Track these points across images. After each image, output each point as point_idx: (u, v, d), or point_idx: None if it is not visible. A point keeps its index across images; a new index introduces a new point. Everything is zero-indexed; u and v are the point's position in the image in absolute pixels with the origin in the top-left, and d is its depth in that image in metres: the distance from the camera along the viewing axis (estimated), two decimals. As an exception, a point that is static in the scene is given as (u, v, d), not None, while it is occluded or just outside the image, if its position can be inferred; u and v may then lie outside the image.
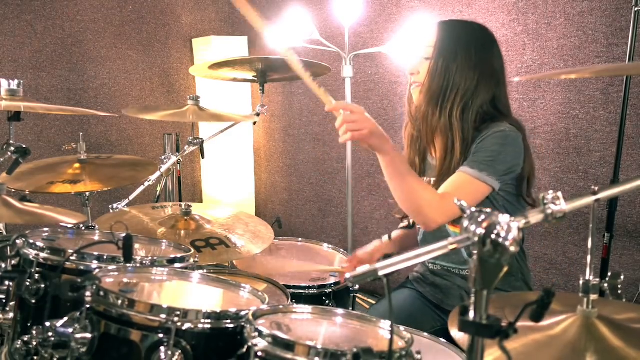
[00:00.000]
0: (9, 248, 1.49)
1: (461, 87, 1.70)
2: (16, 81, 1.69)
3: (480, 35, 1.78)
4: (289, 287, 1.76)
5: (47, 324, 1.19)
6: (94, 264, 1.34)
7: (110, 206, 2.20)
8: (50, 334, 1.18)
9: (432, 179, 1.80)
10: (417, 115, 1.81)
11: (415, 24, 3.07)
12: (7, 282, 1.44)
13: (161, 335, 1.10)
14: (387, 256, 0.87)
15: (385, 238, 2.03)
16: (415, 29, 3.03)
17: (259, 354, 1.04)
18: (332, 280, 1.90)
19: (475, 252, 0.80)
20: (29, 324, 1.34)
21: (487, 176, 1.63)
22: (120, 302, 1.14)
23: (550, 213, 0.88)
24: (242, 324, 1.14)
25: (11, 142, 1.68)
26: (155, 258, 1.42)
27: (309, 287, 1.83)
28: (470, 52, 1.72)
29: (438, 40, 1.73)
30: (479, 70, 1.71)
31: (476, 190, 1.64)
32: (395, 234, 2.04)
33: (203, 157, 2.46)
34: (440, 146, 1.75)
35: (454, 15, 3.13)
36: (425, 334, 1.42)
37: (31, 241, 1.40)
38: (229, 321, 1.15)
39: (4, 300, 1.44)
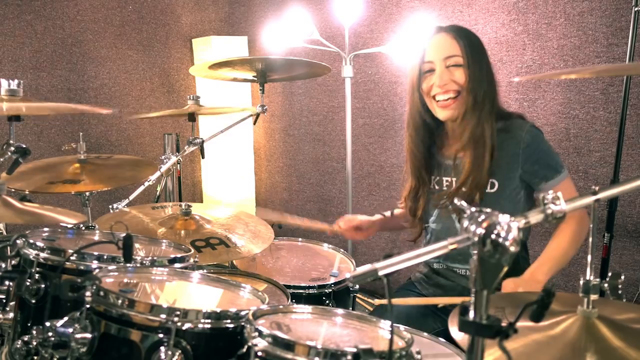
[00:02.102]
0: (9, 248, 1.49)
1: (492, 92, 1.73)
2: (16, 81, 1.69)
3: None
4: (289, 287, 1.76)
5: (47, 324, 1.19)
6: (94, 264, 1.33)
7: (110, 206, 2.20)
8: (50, 334, 1.18)
9: (452, 179, 1.80)
10: (452, 124, 1.80)
11: (415, 24, 3.07)
12: (7, 282, 1.44)
13: (161, 335, 1.10)
14: (387, 256, 0.87)
15: (388, 213, 2.08)
16: (417, 36, 3.03)
17: (259, 353, 1.04)
18: (332, 280, 1.90)
19: (475, 252, 0.80)
20: (29, 324, 1.34)
21: (564, 169, 1.73)
22: (120, 302, 1.14)
23: (550, 213, 0.88)
24: (242, 324, 1.14)
25: (11, 142, 1.68)
26: (155, 258, 1.42)
27: (309, 287, 1.83)
28: (487, 57, 1.75)
29: (464, 45, 1.71)
30: (492, 74, 1.76)
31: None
32: (397, 211, 2.08)
33: (203, 157, 2.46)
34: (470, 158, 1.73)
35: (454, 15, 3.13)
36: (425, 334, 1.42)
37: (31, 241, 1.40)
38: (229, 321, 1.15)
39: (4, 300, 1.44)
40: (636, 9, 2.27)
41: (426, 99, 1.78)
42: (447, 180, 1.83)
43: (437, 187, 1.86)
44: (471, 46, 1.72)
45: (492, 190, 1.72)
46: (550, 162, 1.71)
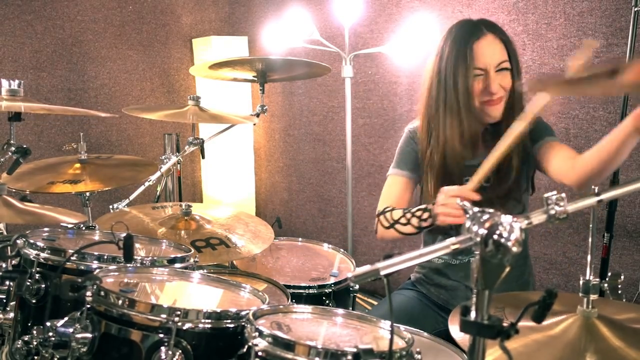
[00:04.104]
0: (9, 248, 1.49)
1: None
2: (16, 81, 1.69)
3: None
4: (289, 287, 1.76)
5: (48, 323, 1.19)
6: (95, 264, 1.34)
7: (110, 206, 2.20)
8: (50, 333, 1.18)
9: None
10: (494, 127, 1.74)
11: (415, 24, 3.07)
12: (7, 282, 1.44)
13: (162, 335, 1.11)
14: (387, 256, 0.87)
15: None
16: (417, 31, 3.03)
17: (259, 353, 1.04)
18: (332, 280, 1.90)
19: (477, 252, 0.80)
20: (29, 324, 1.34)
21: None
22: (120, 302, 1.14)
23: (553, 214, 0.88)
24: (243, 323, 1.14)
25: (11, 142, 1.68)
26: (155, 258, 1.42)
27: (309, 287, 1.83)
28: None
29: (509, 49, 1.68)
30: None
31: None
32: None
33: (203, 157, 2.46)
34: (516, 165, 1.69)
35: (454, 15, 3.13)
36: (425, 334, 1.42)
37: (31, 241, 1.40)
38: (229, 321, 1.15)
39: (5, 300, 1.44)
40: (636, 9, 2.27)
41: (474, 89, 1.69)
42: (467, 180, 1.79)
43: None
44: (514, 49, 1.70)
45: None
46: (547, 127, 1.73)
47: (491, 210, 0.82)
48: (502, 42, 1.68)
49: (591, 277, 1.02)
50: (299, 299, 1.79)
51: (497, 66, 1.66)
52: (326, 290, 1.84)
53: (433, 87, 1.72)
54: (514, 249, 0.78)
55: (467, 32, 1.67)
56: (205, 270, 1.55)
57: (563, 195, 0.89)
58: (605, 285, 1.03)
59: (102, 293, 1.16)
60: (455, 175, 1.71)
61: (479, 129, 1.74)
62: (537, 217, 0.88)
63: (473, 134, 1.71)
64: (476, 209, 0.82)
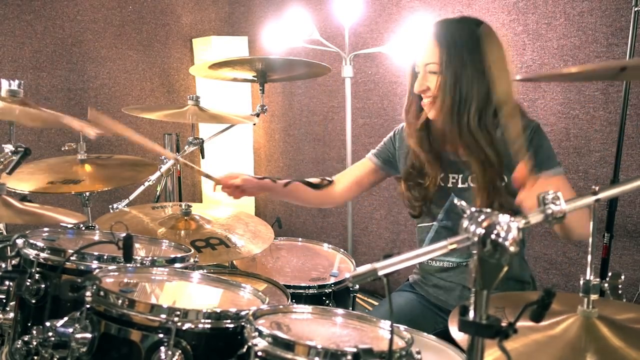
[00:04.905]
0: (9, 248, 1.50)
1: (474, 97, 1.65)
2: (16, 81, 1.69)
3: (482, 32, 1.68)
4: (289, 287, 1.76)
5: (47, 324, 1.19)
6: (94, 264, 1.34)
7: (110, 206, 2.20)
8: (50, 334, 1.18)
9: (459, 177, 1.79)
10: (434, 131, 1.80)
11: (415, 24, 3.07)
12: (7, 282, 1.44)
13: (161, 335, 1.10)
14: (387, 256, 0.87)
15: (282, 182, 2.01)
16: (413, 35, 3.03)
17: (259, 353, 1.04)
18: (332, 280, 1.90)
19: (475, 252, 0.80)
20: (29, 324, 1.34)
21: (561, 166, 1.71)
22: (120, 302, 1.14)
23: (550, 213, 0.88)
24: (242, 324, 1.14)
25: (11, 142, 1.68)
26: (155, 258, 1.42)
27: (309, 287, 1.83)
28: (477, 57, 1.63)
29: (442, 52, 1.65)
30: (487, 72, 1.62)
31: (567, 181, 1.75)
32: (294, 185, 2.02)
33: (203, 157, 2.47)
34: (476, 164, 1.70)
35: (454, 15, 3.13)
36: (425, 334, 1.42)
37: (31, 241, 1.40)
38: (229, 321, 1.15)
39: (4, 300, 1.44)
40: (636, 9, 2.27)
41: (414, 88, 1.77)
42: (453, 177, 1.81)
43: (442, 184, 1.82)
44: (450, 52, 1.65)
45: (503, 184, 1.72)
46: (549, 154, 1.70)
47: (488, 210, 0.82)
48: (437, 45, 1.66)
49: (591, 277, 1.02)
50: (299, 299, 1.79)
51: (425, 66, 1.69)
52: (326, 290, 1.84)
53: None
54: (512, 249, 0.78)
55: (421, 33, 1.76)
56: (205, 270, 1.55)
57: (559, 194, 0.89)
58: (606, 285, 1.03)
59: (102, 293, 1.16)
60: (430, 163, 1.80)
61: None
62: (535, 217, 0.88)
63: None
64: (474, 209, 0.82)
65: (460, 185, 1.78)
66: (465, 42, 1.66)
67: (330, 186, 2.03)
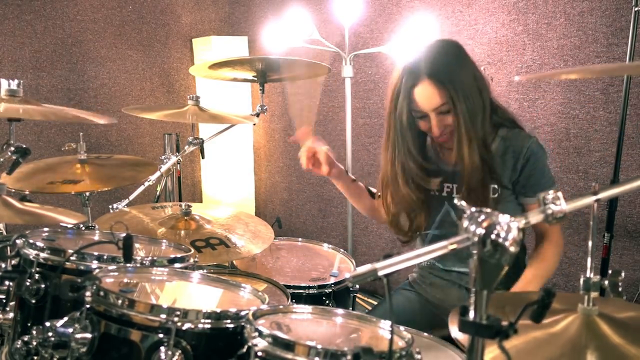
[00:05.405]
0: (9, 248, 1.49)
1: (482, 116, 1.65)
2: (16, 81, 1.69)
3: (454, 45, 1.70)
4: (289, 287, 1.76)
5: (47, 324, 1.19)
6: (94, 264, 1.34)
7: (110, 206, 2.20)
8: (50, 334, 1.18)
9: (453, 186, 1.79)
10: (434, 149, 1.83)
11: (415, 24, 3.07)
12: (7, 282, 1.44)
13: (161, 335, 1.10)
14: (387, 256, 0.87)
15: (358, 182, 2.02)
16: (417, 31, 3.03)
17: (259, 354, 1.04)
18: (332, 280, 1.90)
19: (475, 252, 0.80)
20: (29, 324, 1.34)
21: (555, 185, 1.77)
22: (120, 302, 1.14)
23: (550, 213, 0.88)
24: (242, 324, 1.14)
25: (11, 142, 1.68)
26: (155, 258, 1.42)
27: (309, 287, 1.83)
28: (468, 69, 1.66)
29: (446, 90, 1.61)
30: (481, 93, 1.66)
31: None
32: (359, 184, 2.03)
33: (203, 157, 2.46)
34: (479, 180, 1.69)
35: (454, 15, 3.13)
36: (425, 334, 1.42)
37: (31, 241, 1.40)
38: (229, 321, 1.15)
39: (4, 300, 1.44)
40: (636, 9, 2.27)
41: (422, 127, 1.73)
42: (447, 187, 1.81)
43: (437, 194, 1.81)
44: (456, 88, 1.62)
45: (494, 196, 1.72)
46: (542, 181, 1.71)
47: (488, 210, 0.82)
48: (438, 87, 1.62)
49: (592, 275, 1.02)
50: (299, 299, 1.79)
51: (436, 109, 1.64)
52: (326, 291, 1.84)
53: (390, 124, 1.75)
54: (512, 249, 0.78)
55: (408, 79, 1.66)
56: (205, 270, 1.55)
57: (559, 194, 0.89)
58: (606, 282, 1.03)
59: (102, 293, 1.16)
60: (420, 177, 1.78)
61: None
62: (535, 217, 0.88)
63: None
64: (474, 209, 0.82)
65: (455, 195, 1.78)
66: (455, 64, 1.66)
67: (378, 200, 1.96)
